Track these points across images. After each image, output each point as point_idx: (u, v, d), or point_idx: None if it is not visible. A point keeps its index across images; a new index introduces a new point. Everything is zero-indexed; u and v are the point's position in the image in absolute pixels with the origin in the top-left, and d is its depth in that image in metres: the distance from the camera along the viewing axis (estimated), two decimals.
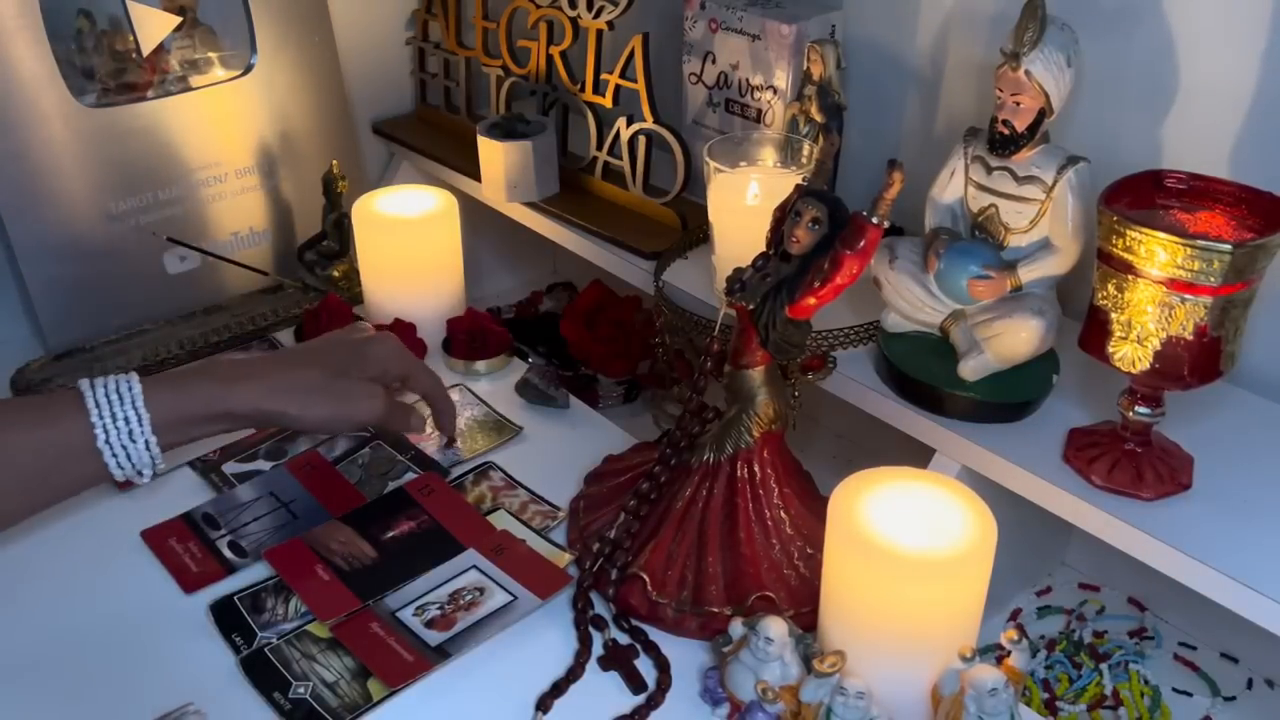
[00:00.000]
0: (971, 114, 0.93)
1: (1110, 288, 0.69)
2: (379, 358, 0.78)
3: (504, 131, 1.07)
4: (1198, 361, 0.68)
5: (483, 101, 1.22)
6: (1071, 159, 0.77)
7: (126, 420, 0.68)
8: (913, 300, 0.84)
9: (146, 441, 0.69)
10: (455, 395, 1.00)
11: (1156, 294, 0.66)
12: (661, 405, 1.03)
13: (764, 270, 0.73)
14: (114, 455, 0.68)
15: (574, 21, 1.06)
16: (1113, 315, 0.69)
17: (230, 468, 0.91)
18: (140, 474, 0.70)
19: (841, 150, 0.98)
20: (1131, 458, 0.73)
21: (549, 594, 0.77)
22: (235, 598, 0.78)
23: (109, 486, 0.88)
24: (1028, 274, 0.79)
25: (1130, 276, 0.67)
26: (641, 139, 1.04)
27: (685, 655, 0.74)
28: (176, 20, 1.04)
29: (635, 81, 1.02)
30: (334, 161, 1.10)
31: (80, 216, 1.02)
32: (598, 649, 0.75)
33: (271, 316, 1.10)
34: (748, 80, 1.02)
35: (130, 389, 0.69)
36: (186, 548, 0.83)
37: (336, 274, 1.14)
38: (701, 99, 1.08)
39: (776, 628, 0.67)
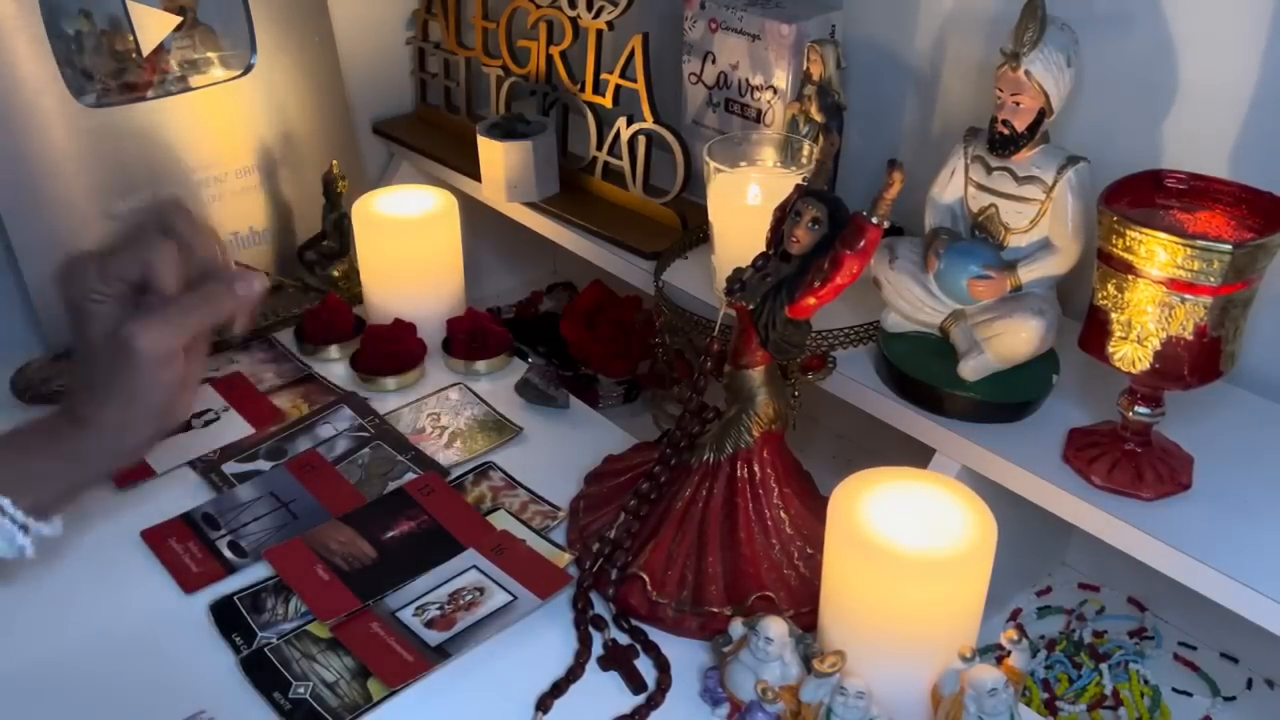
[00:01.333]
0: (971, 114, 0.93)
1: (1110, 288, 0.69)
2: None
3: (504, 131, 1.07)
4: (1198, 361, 0.68)
5: (483, 101, 1.22)
6: (1071, 159, 0.77)
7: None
8: (913, 300, 0.84)
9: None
10: (455, 395, 1.00)
11: (1156, 294, 0.66)
12: (661, 405, 1.03)
13: (764, 270, 0.73)
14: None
15: (574, 21, 1.06)
16: (1113, 315, 0.69)
17: (230, 468, 0.91)
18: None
19: (841, 150, 0.98)
20: (1131, 458, 0.73)
21: (549, 594, 0.77)
22: (235, 598, 0.78)
23: (109, 486, 0.88)
24: (1028, 274, 0.79)
25: (1130, 276, 0.67)
26: (641, 139, 1.04)
27: (685, 655, 0.74)
28: (176, 20, 1.04)
29: (635, 81, 1.02)
30: (334, 161, 1.10)
31: (80, 216, 1.02)
32: (598, 649, 0.75)
33: (271, 316, 1.10)
34: (747, 80, 1.02)
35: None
36: (186, 548, 0.83)
37: (336, 274, 1.14)
38: (701, 99, 1.08)
39: (776, 628, 0.67)
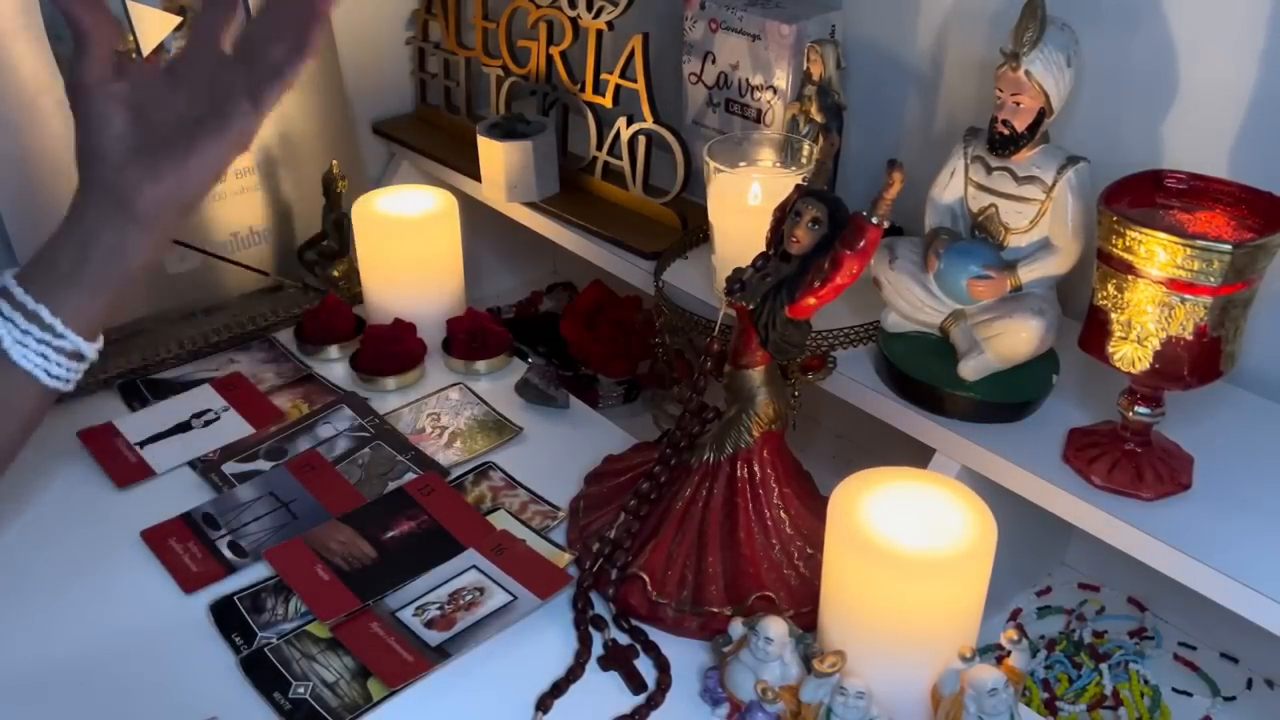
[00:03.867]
0: (971, 114, 0.93)
1: (1110, 288, 0.69)
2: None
3: (504, 131, 1.07)
4: (1198, 361, 0.68)
5: (483, 101, 1.22)
6: (1071, 159, 0.77)
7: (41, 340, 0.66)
8: (913, 300, 0.84)
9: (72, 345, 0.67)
10: (455, 395, 1.00)
11: (1156, 294, 0.66)
12: (661, 405, 1.03)
13: (764, 270, 0.73)
14: (50, 376, 0.67)
15: (574, 21, 1.06)
16: (1113, 315, 0.69)
17: (230, 468, 0.91)
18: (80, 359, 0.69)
19: (841, 150, 0.98)
20: (1131, 458, 0.73)
21: (549, 594, 0.77)
22: (235, 598, 0.78)
23: (109, 486, 0.89)
24: (1028, 274, 0.79)
25: (1130, 276, 0.67)
26: (641, 139, 1.04)
27: (685, 655, 0.74)
28: (176, 20, 1.04)
29: (635, 81, 1.02)
30: (334, 161, 1.10)
31: None
32: (598, 649, 0.75)
33: (271, 316, 1.10)
34: (748, 80, 1.02)
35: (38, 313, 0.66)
36: (186, 548, 0.83)
37: (336, 274, 1.14)
38: (701, 99, 1.08)
39: (776, 628, 0.67)
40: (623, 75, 1.04)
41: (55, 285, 0.66)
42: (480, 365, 1.02)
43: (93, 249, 0.67)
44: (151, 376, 1.02)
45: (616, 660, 0.74)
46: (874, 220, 0.67)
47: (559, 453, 0.93)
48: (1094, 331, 0.71)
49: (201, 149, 0.66)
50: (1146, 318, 0.67)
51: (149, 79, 0.68)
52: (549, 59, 1.10)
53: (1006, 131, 0.77)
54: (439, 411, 0.98)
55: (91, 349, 0.68)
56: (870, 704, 0.64)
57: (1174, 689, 0.85)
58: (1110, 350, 0.70)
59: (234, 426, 0.96)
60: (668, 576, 0.77)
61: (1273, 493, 0.73)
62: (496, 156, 1.07)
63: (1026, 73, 0.74)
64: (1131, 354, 0.69)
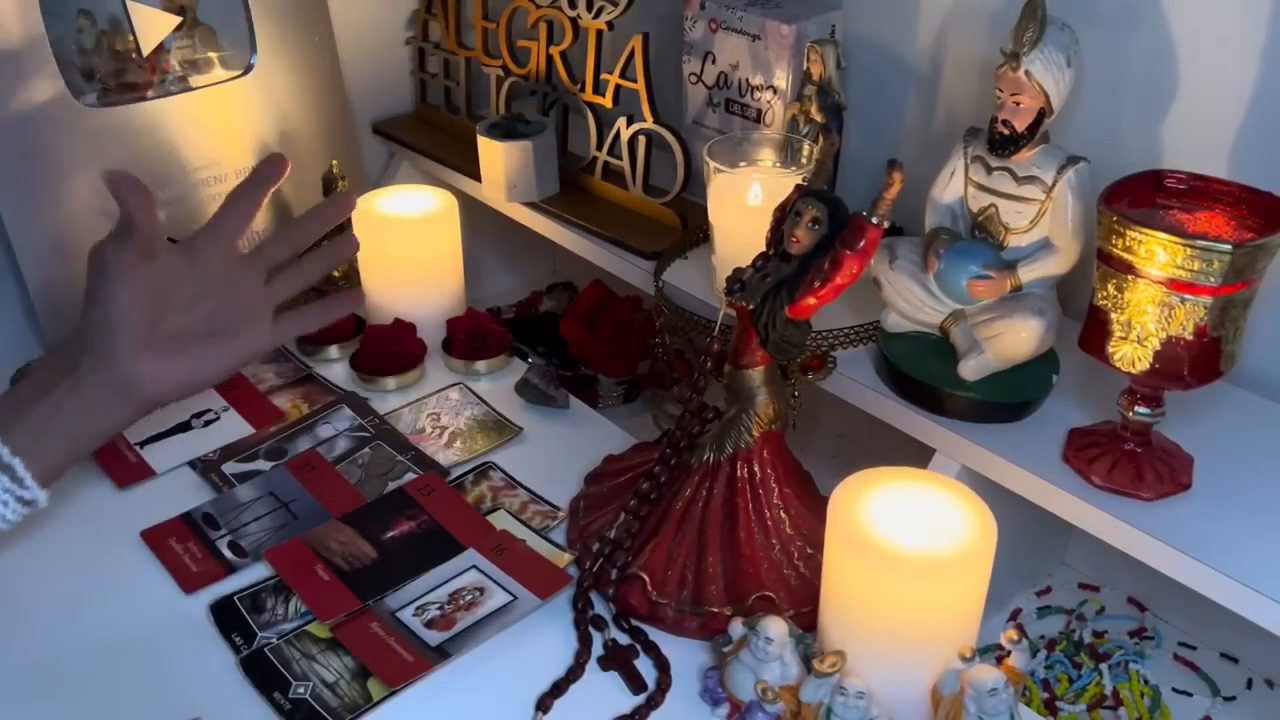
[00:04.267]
0: (971, 114, 0.93)
1: (1110, 288, 0.69)
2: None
3: (504, 131, 1.07)
4: (1198, 361, 0.68)
5: (483, 101, 1.22)
6: (1071, 159, 0.77)
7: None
8: (913, 300, 0.84)
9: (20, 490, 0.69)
10: (455, 395, 1.00)
11: (1156, 294, 0.66)
12: (661, 405, 1.03)
13: (764, 270, 0.73)
14: (3, 520, 0.70)
15: (574, 21, 1.06)
16: (1113, 315, 0.69)
17: (230, 468, 0.91)
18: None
19: (841, 150, 0.98)
20: (1131, 458, 0.73)
21: (549, 594, 0.77)
22: (235, 598, 0.78)
23: (109, 486, 0.88)
24: (1028, 274, 0.79)
25: (1130, 276, 0.67)
26: (641, 139, 1.04)
27: (685, 655, 0.74)
28: (176, 20, 1.04)
29: (635, 81, 1.02)
30: (334, 161, 1.10)
31: (80, 216, 1.02)
32: (598, 649, 0.75)
33: None
34: (748, 80, 1.02)
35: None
36: (186, 548, 0.83)
37: (336, 274, 1.13)
38: (701, 99, 1.08)
39: (776, 628, 0.67)
40: (623, 75, 1.04)
41: (36, 442, 0.69)
42: (480, 365, 1.02)
43: (81, 417, 0.70)
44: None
45: (616, 660, 0.74)
46: (874, 220, 0.67)
47: (559, 453, 0.93)
48: (1094, 331, 0.71)
49: (216, 355, 0.72)
50: (1146, 318, 0.67)
51: (172, 262, 0.72)
52: (549, 59, 1.10)
53: (1006, 131, 0.77)
54: (439, 411, 0.98)
55: (45, 498, 0.71)
56: (870, 704, 0.64)
57: (1174, 689, 0.85)
58: (1110, 350, 0.70)
59: (234, 426, 0.96)
60: (668, 576, 0.77)
61: (1273, 493, 0.73)
62: (496, 156, 1.07)
63: (1026, 73, 0.74)
64: (1131, 354, 0.69)
